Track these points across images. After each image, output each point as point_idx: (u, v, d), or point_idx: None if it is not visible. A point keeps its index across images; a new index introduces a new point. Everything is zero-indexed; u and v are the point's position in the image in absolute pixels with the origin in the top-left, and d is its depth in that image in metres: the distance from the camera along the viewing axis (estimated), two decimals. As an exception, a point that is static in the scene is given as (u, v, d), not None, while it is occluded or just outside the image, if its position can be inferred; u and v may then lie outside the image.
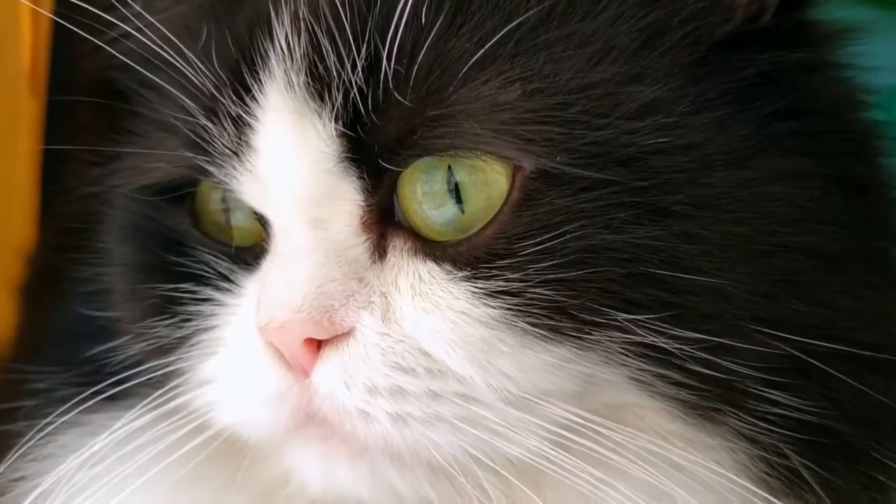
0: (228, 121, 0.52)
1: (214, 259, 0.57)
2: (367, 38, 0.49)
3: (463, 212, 0.50)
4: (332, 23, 0.50)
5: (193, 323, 0.56)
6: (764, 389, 0.50)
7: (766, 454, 0.51)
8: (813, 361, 0.50)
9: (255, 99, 0.52)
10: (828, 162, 0.52)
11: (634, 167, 0.48)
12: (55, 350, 0.65)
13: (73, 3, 0.56)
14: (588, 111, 0.48)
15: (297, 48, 0.51)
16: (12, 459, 0.59)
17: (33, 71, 0.91)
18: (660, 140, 0.49)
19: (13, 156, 0.91)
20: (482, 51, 0.49)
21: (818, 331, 0.50)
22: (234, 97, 0.52)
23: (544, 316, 0.48)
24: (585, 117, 0.48)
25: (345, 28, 0.50)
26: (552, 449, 0.50)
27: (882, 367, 0.52)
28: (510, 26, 0.49)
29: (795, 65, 0.53)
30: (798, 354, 0.49)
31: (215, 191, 0.57)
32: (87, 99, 0.62)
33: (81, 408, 0.59)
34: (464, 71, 0.49)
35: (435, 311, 0.50)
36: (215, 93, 0.53)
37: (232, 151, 0.53)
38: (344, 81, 0.49)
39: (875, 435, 0.52)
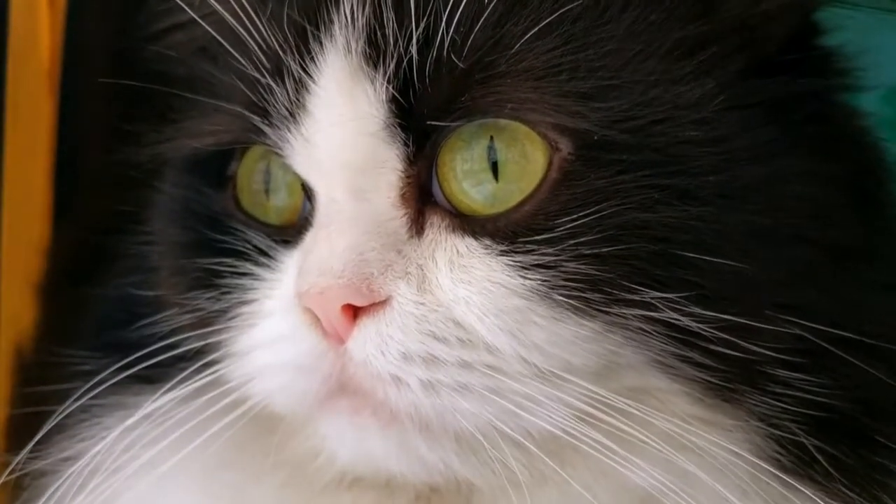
0: (291, 81, 0.55)
1: (256, 236, 0.58)
2: (428, 12, 0.52)
3: (499, 185, 0.52)
4: None
5: (233, 296, 0.58)
6: (779, 370, 0.52)
7: (779, 433, 0.53)
8: (824, 345, 0.52)
9: (315, 62, 0.54)
10: (844, 167, 0.56)
11: (667, 153, 0.51)
12: (94, 334, 0.66)
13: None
14: (629, 100, 0.51)
15: (360, 17, 0.53)
16: (59, 441, 0.61)
17: (51, 69, 0.92)
18: (691, 132, 0.51)
19: (33, 155, 0.92)
20: (537, 27, 0.51)
21: (829, 317, 0.52)
22: (297, 58, 0.54)
23: (577, 289, 0.50)
24: (626, 105, 0.51)
25: (409, 2, 0.52)
26: (575, 424, 0.52)
27: (886, 357, 0.54)
28: (564, 9, 0.52)
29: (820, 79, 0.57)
30: (811, 338, 0.52)
31: (257, 171, 0.59)
32: (143, 85, 0.64)
33: (122, 389, 0.60)
34: (519, 44, 0.51)
35: (472, 283, 0.51)
36: (281, 53, 0.55)
37: (289, 113, 0.55)
38: (399, 49, 0.52)
39: (881, 419, 0.54)
